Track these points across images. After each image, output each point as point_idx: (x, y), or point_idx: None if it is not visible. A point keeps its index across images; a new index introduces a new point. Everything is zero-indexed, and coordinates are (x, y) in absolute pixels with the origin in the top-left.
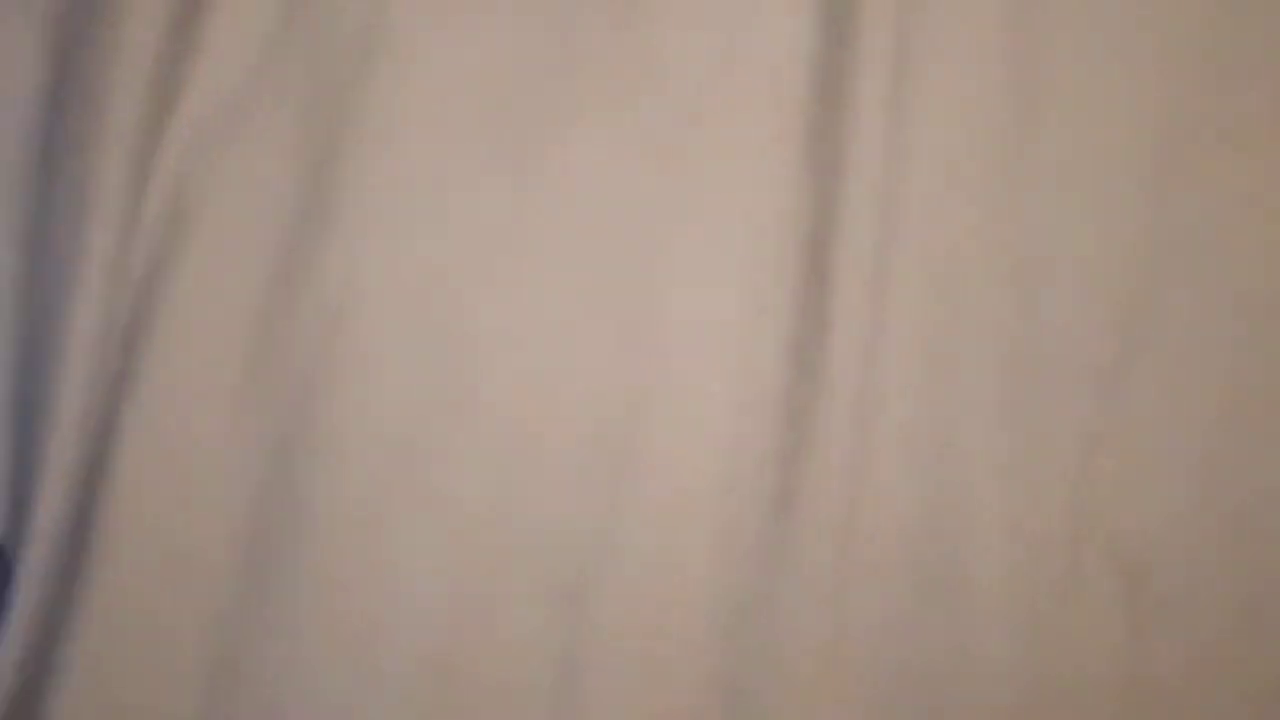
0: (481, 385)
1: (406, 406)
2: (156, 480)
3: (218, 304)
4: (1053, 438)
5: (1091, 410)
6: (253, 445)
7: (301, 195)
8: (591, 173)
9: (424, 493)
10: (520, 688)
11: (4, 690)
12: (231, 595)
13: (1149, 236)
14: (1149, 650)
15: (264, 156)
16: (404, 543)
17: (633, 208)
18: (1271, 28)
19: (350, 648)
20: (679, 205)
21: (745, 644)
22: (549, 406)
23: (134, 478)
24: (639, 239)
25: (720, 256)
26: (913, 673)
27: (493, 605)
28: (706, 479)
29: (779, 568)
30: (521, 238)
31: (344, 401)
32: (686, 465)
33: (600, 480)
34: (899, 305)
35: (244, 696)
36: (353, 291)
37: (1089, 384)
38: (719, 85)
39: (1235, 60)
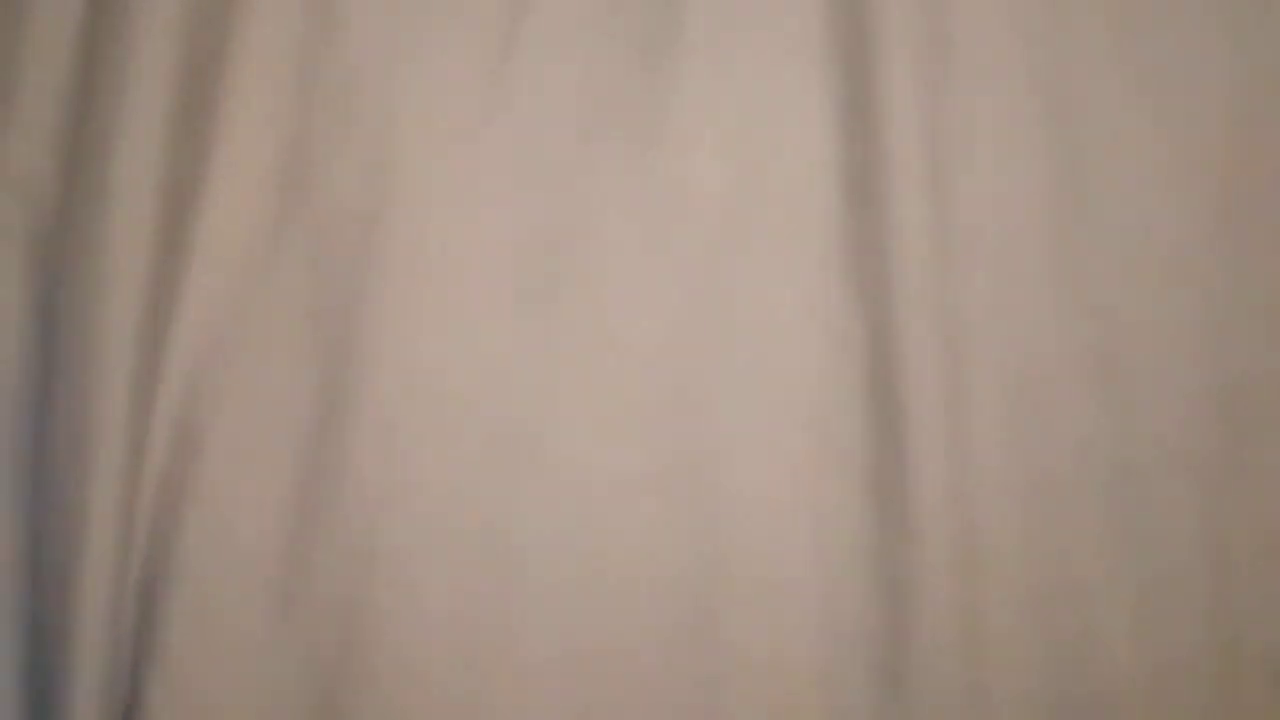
0: (541, 582)
1: (460, 619)
2: None
3: (238, 538)
4: (1174, 543)
5: (1213, 504)
6: (291, 690)
7: (320, 393)
8: (625, 314)
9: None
10: None
11: None
12: None
13: (1234, 302)
14: None
15: (274, 358)
16: None
17: (674, 348)
18: None
19: None
20: (722, 340)
21: None
22: (615, 600)
23: None
24: (685, 383)
25: (776, 392)
26: None
27: None
28: (802, 664)
29: None
30: (561, 402)
31: (388, 622)
32: (777, 648)
33: (687, 681)
34: (979, 424)
35: None
36: (388, 491)
37: (1203, 476)
38: (749, 206)
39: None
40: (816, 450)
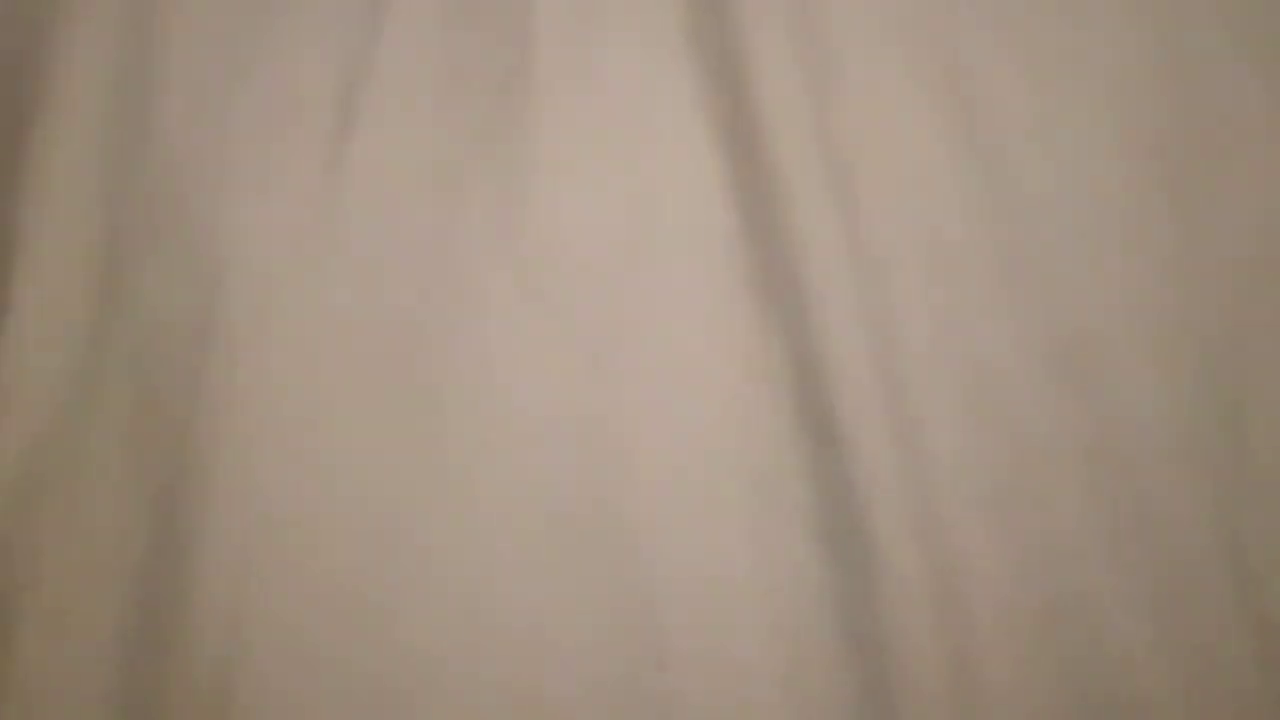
0: (440, 697)
1: None
2: None
3: (66, 705)
4: (1182, 530)
5: (1218, 481)
6: None
7: (153, 527)
8: (512, 386)
9: None
10: None
11: None
12: None
13: (1193, 258)
14: None
15: (96, 496)
16: None
17: (574, 411)
18: None
19: None
20: (627, 393)
21: None
22: (535, 700)
23: None
24: (591, 447)
25: (696, 440)
26: None
27: None
28: (771, 671)
29: None
30: (446, 495)
31: None
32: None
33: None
34: (932, 438)
35: None
36: (242, 626)
37: (1201, 455)
38: (636, 246)
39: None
40: (755, 503)
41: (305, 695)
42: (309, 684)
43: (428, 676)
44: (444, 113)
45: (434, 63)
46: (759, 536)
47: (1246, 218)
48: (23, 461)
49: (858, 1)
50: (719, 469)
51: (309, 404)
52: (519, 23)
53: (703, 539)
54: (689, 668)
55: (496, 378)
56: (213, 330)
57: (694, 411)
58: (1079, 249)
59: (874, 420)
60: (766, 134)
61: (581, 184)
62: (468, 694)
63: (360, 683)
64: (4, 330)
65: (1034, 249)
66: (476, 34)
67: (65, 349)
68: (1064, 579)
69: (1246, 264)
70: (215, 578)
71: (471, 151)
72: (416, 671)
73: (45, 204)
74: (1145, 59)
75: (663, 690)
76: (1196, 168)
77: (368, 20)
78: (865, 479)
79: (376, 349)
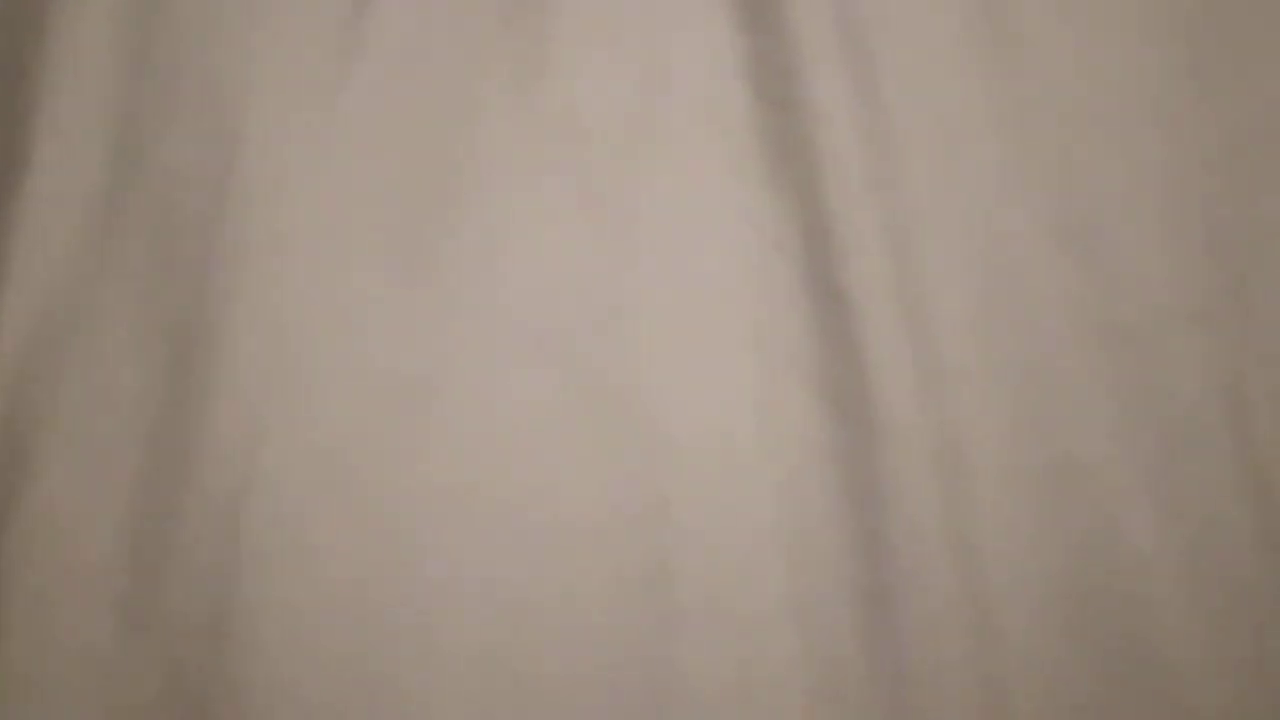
0: (445, 552)
1: (338, 603)
2: None
3: (79, 550)
4: (1185, 401)
5: (1221, 353)
6: (153, 708)
7: (167, 379)
8: (524, 255)
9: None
10: None
11: None
12: None
13: (1210, 142)
14: None
15: (112, 345)
16: None
17: (587, 279)
18: None
19: None
20: (640, 262)
21: None
22: (542, 560)
23: None
24: (605, 314)
25: (707, 308)
26: None
27: None
28: (771, 593)
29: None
30: (458, 358)
31: (261, 623)
32: (740, 585)
33: (637, 635)
34: (942, 308)
35: None
36: (251, 483)
37: (1206, 327)
38: (650, 120)
39: None
40: (762, 364)
41: (313, 530)
42: (317, 521)
43: (438, 508)
44: None
45: None
46: (764, 396)
47: (1262, 94)
48: (42, 313)
49: None
50: (726, 330)
51: (322, 259)
52: None
53: (709, 398)
54: (692, 523)
55: (508, 242)
56: (229, 186)
57: (702, 274)
58: (1091, 125)
59: (880, 284)
60: (786, 9)
61: (599, 55)
62: (479, 526)
63: (371, 519)
64: (22, 188)
65: (1048, 125)
66: None
67: (82, 206)
68: (1065, 442)
69: (1258, 138)
70: (229, 423)
71: (491, 20)
72: (427, 504)
73: (65, 67)
74: None
75: (665, 543)
76: (1217, 47)
77: None
78: (870, 340)
79: (391, 206)
